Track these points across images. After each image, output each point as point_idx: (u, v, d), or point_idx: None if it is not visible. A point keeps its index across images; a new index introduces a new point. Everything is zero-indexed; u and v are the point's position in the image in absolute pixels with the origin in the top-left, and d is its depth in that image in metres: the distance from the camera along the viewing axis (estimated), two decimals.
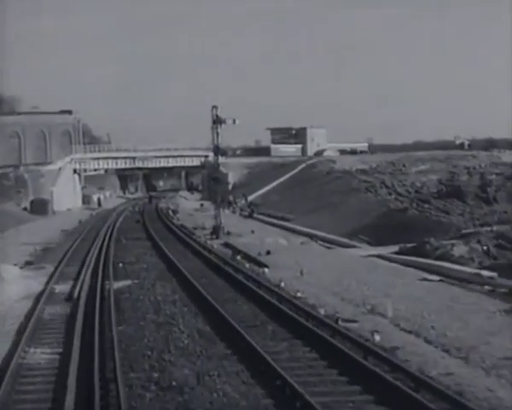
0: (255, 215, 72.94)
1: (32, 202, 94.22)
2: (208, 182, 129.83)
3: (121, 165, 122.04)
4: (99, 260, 36.34)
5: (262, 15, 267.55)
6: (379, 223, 49.23)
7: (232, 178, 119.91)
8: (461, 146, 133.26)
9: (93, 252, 40.83)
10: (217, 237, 49.00)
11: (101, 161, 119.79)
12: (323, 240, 45.74)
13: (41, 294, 27.51)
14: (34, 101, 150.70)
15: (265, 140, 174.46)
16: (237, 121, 48.64)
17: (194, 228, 56.34)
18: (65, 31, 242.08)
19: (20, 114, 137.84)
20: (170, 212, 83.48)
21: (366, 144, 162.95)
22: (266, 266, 32.78)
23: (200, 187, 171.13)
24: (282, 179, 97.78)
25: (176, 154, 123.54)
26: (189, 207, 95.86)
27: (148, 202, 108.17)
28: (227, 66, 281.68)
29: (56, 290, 28.79)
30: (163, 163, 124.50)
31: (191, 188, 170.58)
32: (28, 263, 37.66)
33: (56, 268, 35.06)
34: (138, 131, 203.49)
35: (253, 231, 51.38)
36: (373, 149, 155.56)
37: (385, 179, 69.85)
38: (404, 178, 71.85)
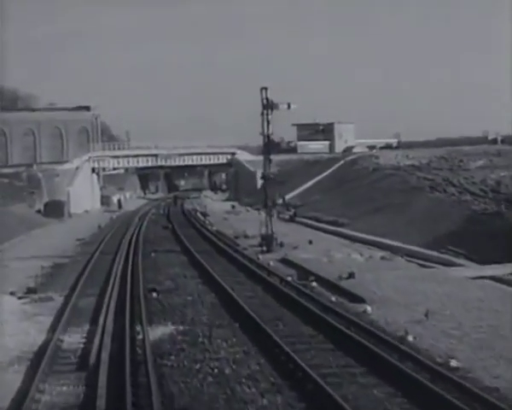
0: (297, 219, 62.99)
1: (46, 205, 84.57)
2: (236, 181, 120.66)
3: (142, 163, 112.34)
4: (124, 287, 26.57)
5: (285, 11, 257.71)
6: (467, 230, 39.18)
7: (260, 177, 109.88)
8: (494, 141, 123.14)
9: (115, 272, 31.05)
10: (268, 250, 38.97)
11: (121, 160, 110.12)
12: (408, 254, 35.66)
13: (40, 353, 17.80)
14: (51, 99, 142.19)
15: (288, 137, 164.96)
16: (293, 106, 38.69)
17: (236, 237, 46.53)
18: (85, 32, 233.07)
19: (34, 110, 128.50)
20: (199, 214, 73.83)
21: (395, 140, 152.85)
22: (363, 299, 22.81)
23: (224, 186, 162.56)
24: (319, 178, 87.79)
25: (200, 151, 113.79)
26: (217, 208, 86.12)
27: (172, 202, 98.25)
28: (250, 60, 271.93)
29: (64, 345, 19.02)
30: (187, 161, 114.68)
31: (214, 187, 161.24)
32: (30, 291, 27.81)
33: (67, 300, 25.31)
34: (158, 130, 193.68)
35: (310, 242, 41.42)
36: (402, 145, 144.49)
37: (448, 176, 59.67)
38: (468, 174, 61.60)
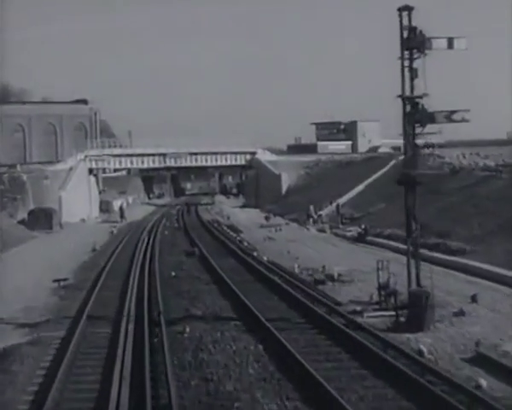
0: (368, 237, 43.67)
1: (30, 213, 65.58)
2: (256, 185, 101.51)
3: (148, 164, 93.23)
4: None
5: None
6: None
7: (286, 181, 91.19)
8: None
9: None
10: (417, 326, 19.15)
11: (122, 159, 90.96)
12: None
13: None
14: (47, 94, 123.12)
15: (305, 138, 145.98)
16: (459, 42, 19.46)
17: (318, 280, 26.94)
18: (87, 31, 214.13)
19: (25, 103, 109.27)
20: (225, 228, 54.86)
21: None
22: None
23: (235, 190, 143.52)
24: (369, 181, 68.70)
25: (215, 150, 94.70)
26: (244, 219, 67.19)
27: (185, 210, 78.85)
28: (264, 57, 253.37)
29: None
30: (200, 161, 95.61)
31: (225, 191, 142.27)
32: None
33: None
34: (165, 131, 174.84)
35: (473, 299, 21.92)
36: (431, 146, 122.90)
37: None
38: None
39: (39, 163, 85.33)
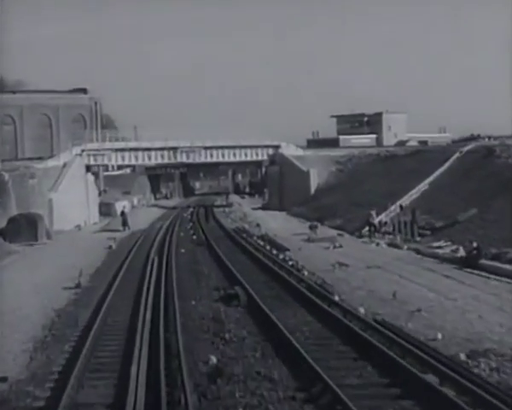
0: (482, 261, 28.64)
1: (11, 221, 50.82)
2: (280, 184, 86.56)
3: (156, 159, 78.26)
4: None
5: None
6: None
7: (315, 179, 76.35)
8: None
9: None
10: None
11: (126, 154, 75.86)
12: None
13: None
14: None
15: (323, 132, 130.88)
16: None
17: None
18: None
19: (15, 92, 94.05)
20: (260, 241, 39.90)
21: (448, 135, 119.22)
22: None
23: (247, 189, 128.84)
24: (431, 179, 53.61)
25: (234, 144, 79.74)
26: (276, 227, 52.34)
27: (203, 216, 63.21)
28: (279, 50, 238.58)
29: None
30: (215, 157, 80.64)
31: (238, 191, 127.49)
32: None
33: None
34: (173, 122, 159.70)
35: None
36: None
37: None
38: None
39: (27, 159, 70.42)
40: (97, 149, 72.88)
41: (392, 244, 37.87)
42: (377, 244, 37.57)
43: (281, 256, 32.89)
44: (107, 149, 73.48)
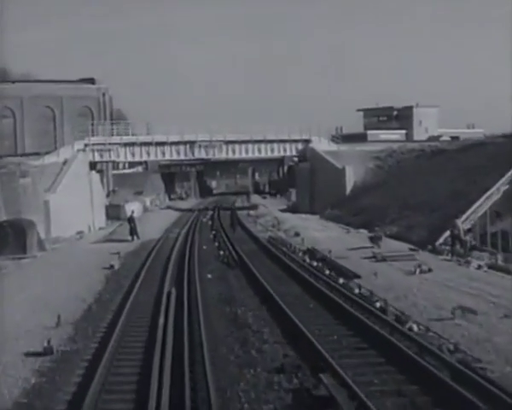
0: None
1: None
2: (311, 183, 75.67)
3: (171, 155, 67.65)
4: None
5: None
6: None
7: (351, 177, 65.92)
8: None
9: None
10: None
11: (136, 150, 65.23)
12: None
13: None
14: None
15: (350, 126, 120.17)
16: None
17: None
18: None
19: (14, 82, 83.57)
20: (306, 259, 29.20)
21: (481, 130, 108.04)
22: None
23: (267, 188, 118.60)
24: (509, 175, 42.75)
25: (259, 138, 69.14)
26: (321, 236, 41.55)
27: (229, 225, 51.37)
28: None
29: None
30: (238, 153, 70.07)
31: (258, 190, 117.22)
32: None
33: None
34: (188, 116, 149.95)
35: None
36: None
37: None
38: None
39: (21, 155, 60.08)
40: (103, 144, 62.37)
41: (492, 266, 27.07)
42: (478, 267, 26.65)
43: (356, 290, 22.11)
44: (114, 144, 62.97)
